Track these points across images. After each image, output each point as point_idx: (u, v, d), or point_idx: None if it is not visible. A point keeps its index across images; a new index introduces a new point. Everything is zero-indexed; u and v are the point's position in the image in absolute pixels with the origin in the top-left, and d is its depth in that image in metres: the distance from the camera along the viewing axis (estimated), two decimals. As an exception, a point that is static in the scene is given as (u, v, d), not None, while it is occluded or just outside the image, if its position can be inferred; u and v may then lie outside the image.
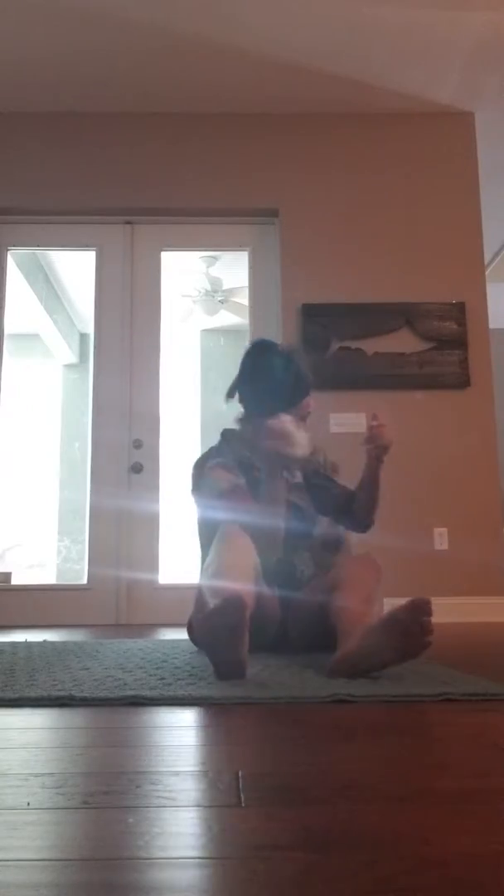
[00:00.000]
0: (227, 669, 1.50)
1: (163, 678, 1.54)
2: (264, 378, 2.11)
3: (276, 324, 4.10)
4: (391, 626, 1.48)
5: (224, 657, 1.49)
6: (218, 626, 1.45)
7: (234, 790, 0.78)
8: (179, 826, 0.69)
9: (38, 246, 4.63)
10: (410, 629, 1.46)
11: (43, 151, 4.18)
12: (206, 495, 2.09)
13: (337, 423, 3.93)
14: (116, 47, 3.73)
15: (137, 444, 4.04)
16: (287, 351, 2.19)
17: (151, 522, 3.98)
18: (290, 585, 2.09)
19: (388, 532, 3.85)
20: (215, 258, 5.27)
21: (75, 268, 5.32)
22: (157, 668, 1.71)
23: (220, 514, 1.98)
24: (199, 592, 1.93)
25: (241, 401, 2.20)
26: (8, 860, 0.60)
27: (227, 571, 1.72)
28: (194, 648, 2.17)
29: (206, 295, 5.63)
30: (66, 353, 6.39)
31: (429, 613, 1.46)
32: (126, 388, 4.10)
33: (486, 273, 4.33)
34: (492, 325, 4.11)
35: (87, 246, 4.29)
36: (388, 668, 1.51)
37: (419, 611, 1.46)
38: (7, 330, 4.22)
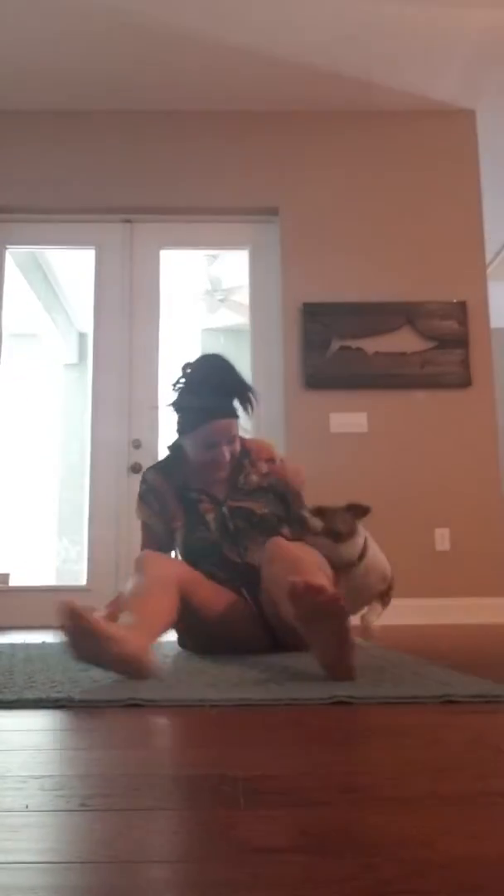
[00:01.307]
0: (126, 670, 1.49)
1: (161, 679, 1.53)
2: (206, 382, 2.12)
3: (276, 323, 4.10)
4: (306, 622, 1.49)
5: (113, 665, 1.49)
6: (76, 642, 1.46)
7: (233, 792, 0.78)
8: (178, 828, 0.68)
9: (36, 244, 4.62)
10: (314, 610, 1.47)
11: (41, 149, 4.18)
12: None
13: (337, 423, 3.93)
14: (115, 44, 3.72)
15: (137, 444, 4.04)
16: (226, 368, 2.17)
17: (151, 522, 3.97)
18: (255, 587, 2.09)
19: (389, 533, 3.85)
20: (215, 256, 5.27)
21: (74, 266, 5.31)
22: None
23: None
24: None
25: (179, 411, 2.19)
26: (7, 863, 0.59)
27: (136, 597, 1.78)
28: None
29: (205, 294, 5.63)
30: (66, 353, 6.39)
31: (300, 587, 1.47)
32: (125, 387, 4.10)
33: (488, 272, 4.32)
34: (493, 324, 4.11)
35: (85, 244, 4.29)
36: (348, 635, 1.49)
37: (298, 594, 1.47)
38: (6, 329, 4.21)
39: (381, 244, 4.13)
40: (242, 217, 4.26)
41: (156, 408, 3.86)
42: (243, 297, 4.78)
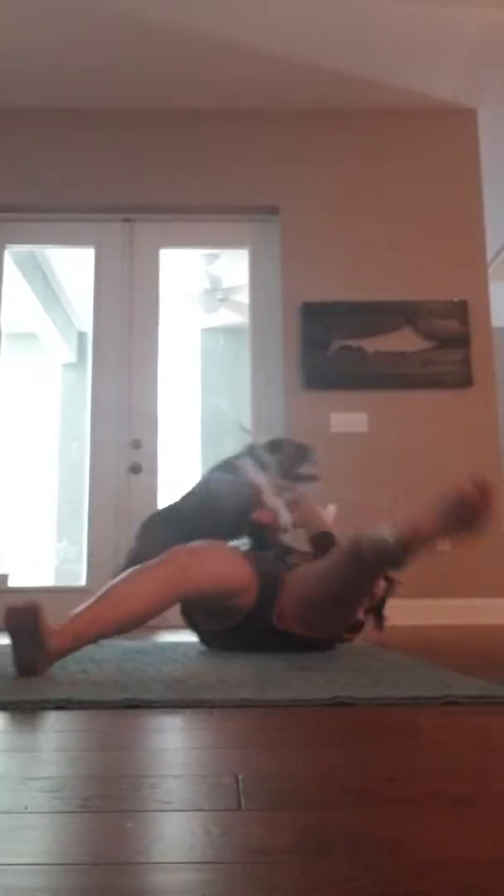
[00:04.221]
0: (23, 666, 1.55)
1: (162, 681, 1.53)
2: None
3: (276, 323, 4.09)
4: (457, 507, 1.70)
5: (21, 655, 1.55)
6: (16, 628, 1.54)
7: (233, 793, 0.77)
8: (178, 830, 0.68)
9: (36, 243, 4.62)
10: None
11: (41, 148, 4.18)
12: None
13: (337, 423, 3.92)
14: (115, 43, 3.72)
15: (136, 444, 4.03)
16: None
17: (151, 522, 3.96)
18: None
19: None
20: (215, 256, 5.26)
21: (73, 266, 5.31)
22: (156, 671, 1.70)
23: None
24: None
25: None
26: (6, 864, 0.59)
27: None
28: (196, 649, 2.17)
29: (205, 293, 5.62)
30: (65, 353, 6.38)
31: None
32: (125, 387, 4.09)
33: (489, 271, 4.32)
34: (494, 323, 4.10)
35: (85, 244, 4.29)
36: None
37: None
38: (5, 329, 4.21)
39: (382, 243, 4.13)
40: (242, 216, 4.25)
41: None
42: (243, 296, 4.78)
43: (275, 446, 2.52)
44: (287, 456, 2.50)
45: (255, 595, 2.05)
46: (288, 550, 2.32)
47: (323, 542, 2.33)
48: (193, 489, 2.49)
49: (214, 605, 2.05)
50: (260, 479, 2.41)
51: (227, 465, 2.50)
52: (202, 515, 2.31)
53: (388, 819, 0.70)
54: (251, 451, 2.51)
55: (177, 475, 5.52)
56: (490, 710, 1.24)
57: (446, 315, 4.02)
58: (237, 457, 2.51)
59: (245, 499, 2.36)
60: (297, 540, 2.51)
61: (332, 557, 2.03)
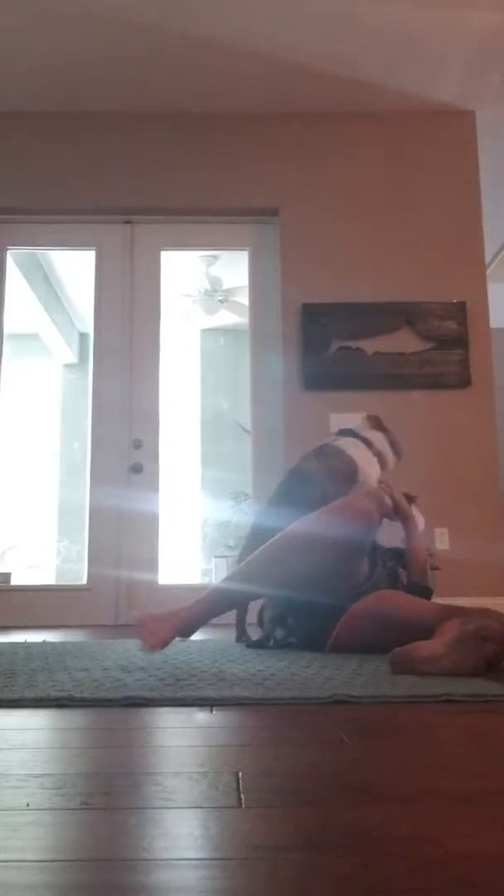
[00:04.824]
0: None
1: (162, 678, 1.54)
2: None
3: (276, 324, 4.10)
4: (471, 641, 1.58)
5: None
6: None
7: (233, 791, 0.78)
8: (179, 827, 0.69)
9: (37, 245, 4.62)
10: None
11: (42, 150, 4.18)
12: None
13: (337, 424, 3.92)
14: (116, 46, 3.73)
15: (137, 444, 4.04)
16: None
17: (151, 522, 3.97)
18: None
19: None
20: (215, 257, 5.27)
21: (75, 267, 5.32)
22: (157, 669, 1.71)
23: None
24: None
25: None
26: (7, 861, 0.59)
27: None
28: (196, 648, 2.17)
29: (205, 294, 5.63)
30: (66, 353, 6.39)
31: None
32: (126, 387, 4.10)
33: (487, 272, 4.33)
34: (492, 324, 4.11)
35: (86, 246, 4.29)
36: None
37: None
38: (6, 330, 4.21)
39: (381, 244, 4.13)
40: (243, 218, 4.26)
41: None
42: (243, 297, 4.78)
43: (375, 422, 2.53)
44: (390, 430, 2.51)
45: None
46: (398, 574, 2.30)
47: (420, 594, 2.26)
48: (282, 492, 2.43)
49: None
50: (363, 457, 2.40)
51: (326, 451, 2.45)
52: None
53: (388, 816, 0.70)
54: (350, 432, 2.49)
55: (177, 475, 5.54)
56: (488, 709, 1.24)
57: (445, 316, 4.03)
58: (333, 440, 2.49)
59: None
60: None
61: (420, 609, 2.03)
